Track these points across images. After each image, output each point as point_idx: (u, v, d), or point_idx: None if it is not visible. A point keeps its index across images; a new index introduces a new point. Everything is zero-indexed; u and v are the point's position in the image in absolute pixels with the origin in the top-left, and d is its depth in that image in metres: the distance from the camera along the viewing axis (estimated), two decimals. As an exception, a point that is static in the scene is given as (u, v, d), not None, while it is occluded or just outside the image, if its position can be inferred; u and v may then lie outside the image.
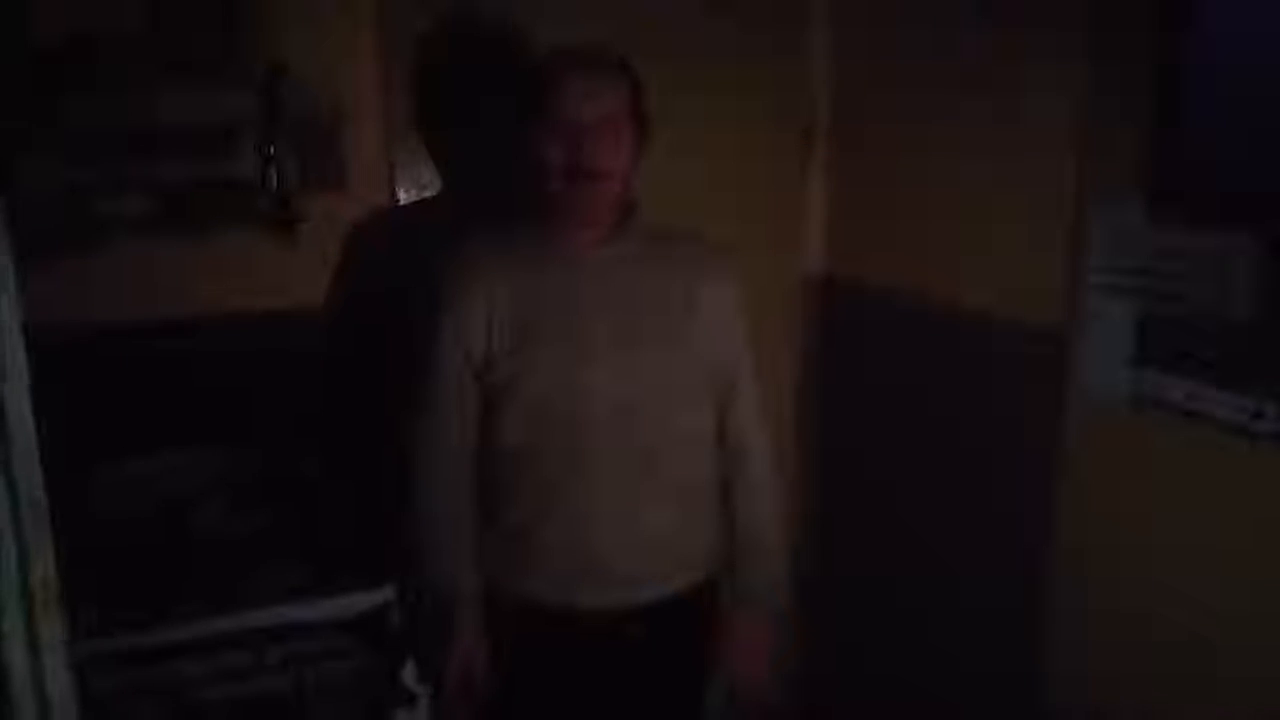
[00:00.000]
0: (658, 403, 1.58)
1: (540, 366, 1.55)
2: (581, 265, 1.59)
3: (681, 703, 1.76)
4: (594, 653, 1.64)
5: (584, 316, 1.56)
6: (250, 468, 1.94)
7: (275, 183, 1.94)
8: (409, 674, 1.82)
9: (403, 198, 2.10)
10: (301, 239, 1.98)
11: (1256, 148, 1.48)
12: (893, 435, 2.29)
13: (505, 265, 1.59)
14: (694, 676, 1.76)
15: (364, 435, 2.02)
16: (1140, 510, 1.65)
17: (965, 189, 2.01)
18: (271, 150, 1.92)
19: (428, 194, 2.12)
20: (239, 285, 1.96)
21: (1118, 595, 1.70)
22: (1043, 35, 1.78)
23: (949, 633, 2.14)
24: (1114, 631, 1.71)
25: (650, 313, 1.59)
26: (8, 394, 0.75)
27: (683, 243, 1.67)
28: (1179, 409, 1.56)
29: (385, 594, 1.79)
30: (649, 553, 1.60)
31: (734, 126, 2.30)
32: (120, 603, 1.65)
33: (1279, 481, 1.42)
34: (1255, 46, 1.48)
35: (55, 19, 1.77)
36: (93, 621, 1.58)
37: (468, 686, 1.66)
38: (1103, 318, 1.68)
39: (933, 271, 2.12)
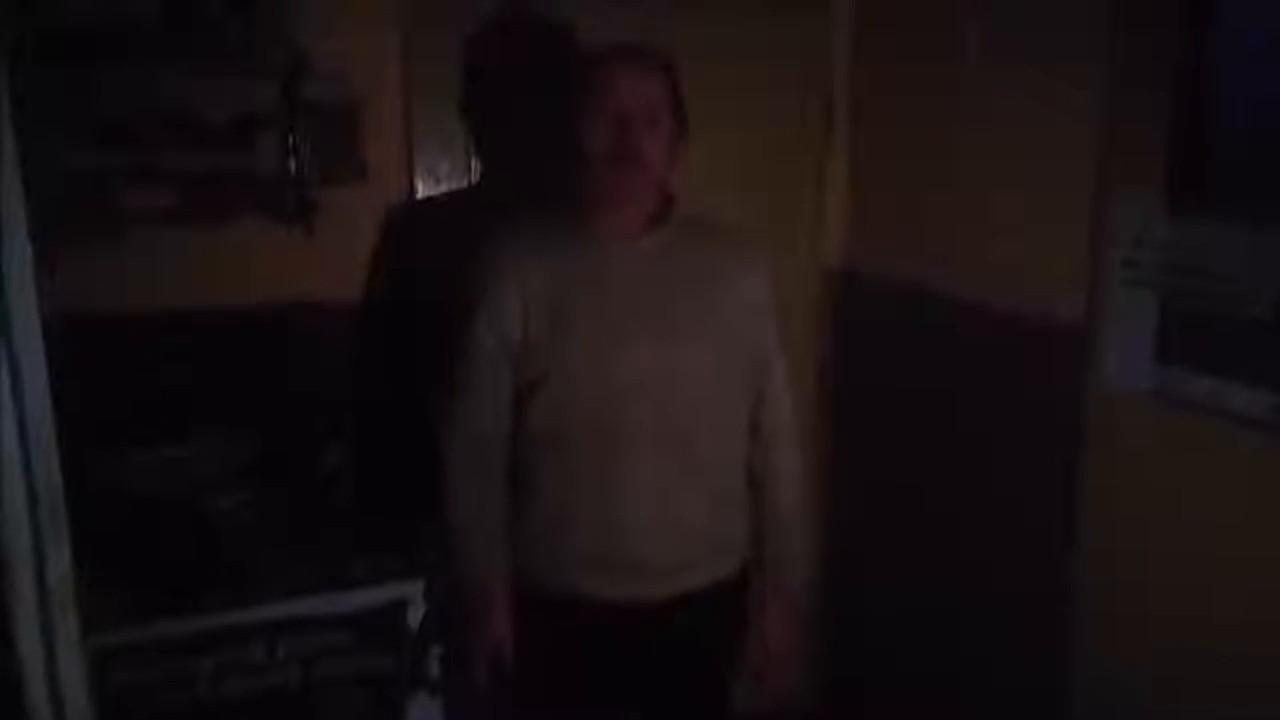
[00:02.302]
0: (691, 391, 1.57)
1: (575, 353, 1.54)
2: (618, 253, 1.58)
3: (709, 694, 1.75)
4: (623, 643, 1.63)
5: (619, 304, 1.56)
6: (267, 459, 1.93)
7: (294, 173, 1.93)
8: (432, 661, 1.82)
9: (421, 189, 2.09)
10: (319, 229, 1.97)
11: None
12: (913, 427, 2.28)
13: (541, 252, 1.59)
14: (722, 667, 1.75)
15: (386, 427, 2.01)
16: (1163, 504, 1.64)
17: (984, 183, 2.00)
18: (291, 141, 1.91)
19: (447, 185, 2.11)
20: (257, 275, 1.96)
21: (1141, 586, 1.69)
22: (1067, 19, 1.76)
23: (969, 628, 2.12)
24: (1137, 625, 1.70)
25: (686, 301, 1.58)
26: (28, 394, 0.74)
27: (719, 234, 1.67)
28: (1201, 404, 1.55)
29: (399, 590, 1.78)
30: (680, 541, 1.59)
31: (753, 113, 2.28)
32: (134, 595, 1.65)
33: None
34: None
35: (79, 6, 1.76)
36: (106, 612, 1.58)
37: (497, 674, 1.65)
38: (1125, 312, 1.67)
39: (952, 263, 2.10)
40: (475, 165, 2.12)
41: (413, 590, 1.81)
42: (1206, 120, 1.55)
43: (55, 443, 0.79)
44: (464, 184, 2.12)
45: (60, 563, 0.82)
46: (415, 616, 1.82)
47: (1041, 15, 1.82)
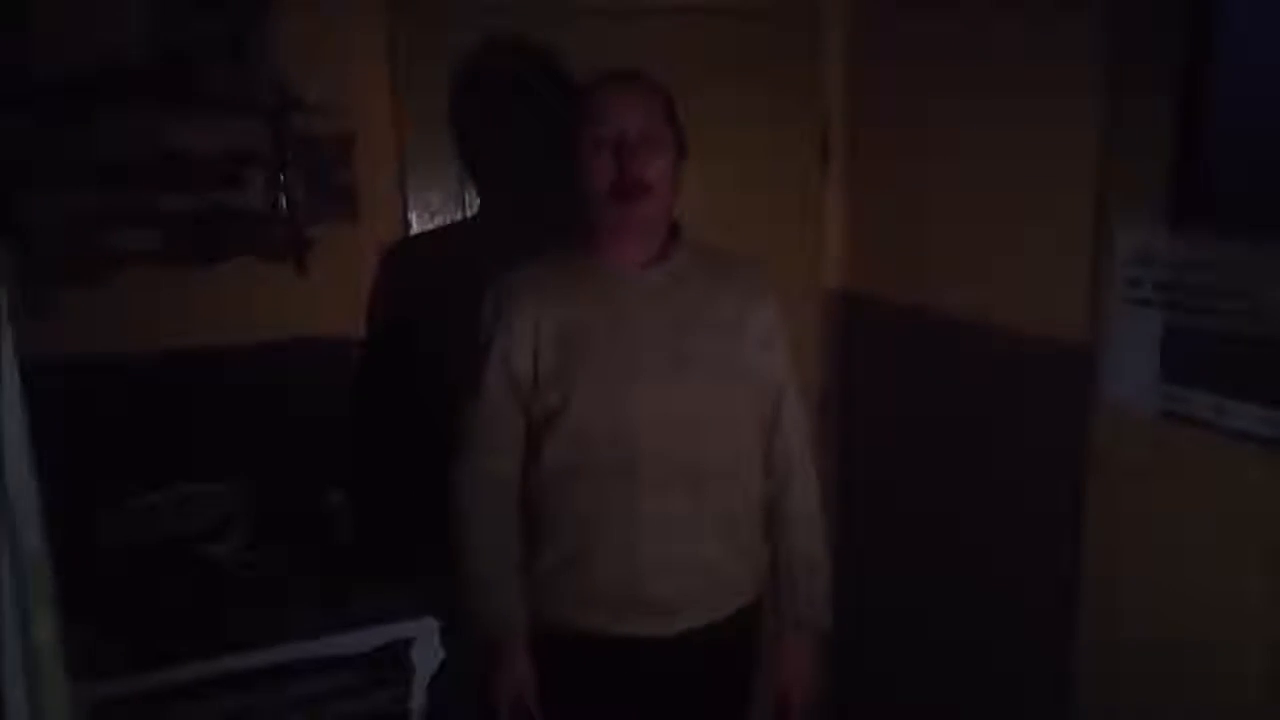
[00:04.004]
0: (706, 425, 1.56)
1: (585, 389, 1.52)
2: (629, 285, 1.57)
3: None
4: (638, 679, 1.61)
5: (630, 337, 1.54)
6: (264, 501, 1.92)
7: (285, 210, 1.92)
8: (453, 708, 1.80)
9: (415, 223, 2.08)
10: (313, 267, 1.97)
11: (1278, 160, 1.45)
12: (917, 450, 2.26)
13: (548, 287, 1.57)
14: (739, 701, 1.73)
15: (386, 466, 1.99)
16: (1169, 524, 1.62)
17: (983, 203, 1.98)
18: (281, 179, 1.90)
19: (441, 219, 2.10)
20: (249, 315, 1.95)
21: (1145, 608, 1.67)
22: (1065, 39, 1.75)
23: (974, 652, 2.10)
24: (1140, 647, 1.69)
25: (699, 333, 1.56)
26: (8, 455, 0.72)
27: (728, 263, 1.66)
28: (1207, 422, 1.53)
29: (403, 629, 1.76)
30: (696, 578, 1.58)
31: (749, 139, 2.27)
32: (134, 642, 1.63)
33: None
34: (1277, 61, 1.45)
35: (65, 48, 1.75)
36: (107, 660, 1.56)
37: (521, 716, 1.63)
38: (1130, 331, 1.65)
39: (953, 285, 2.09)
40: (470, 198, 2.12)
41: (417, 628, 1.79)
42: (1207, 138, 1.53)
43: (39, 506, 0.77)
44: (459, 217, 2.11)
45: (46, 625, 0.81)
46: (420, 654, 1.80)
47: (1040, 39, 1.81)
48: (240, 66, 1.86)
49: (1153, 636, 1.66)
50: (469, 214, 2.12)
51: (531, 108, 2.05)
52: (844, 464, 2.49)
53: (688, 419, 1.54)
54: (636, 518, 1.53)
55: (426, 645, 1.80)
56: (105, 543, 1.79)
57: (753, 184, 2.28)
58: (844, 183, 2.41)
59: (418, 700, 1.81)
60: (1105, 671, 1.76)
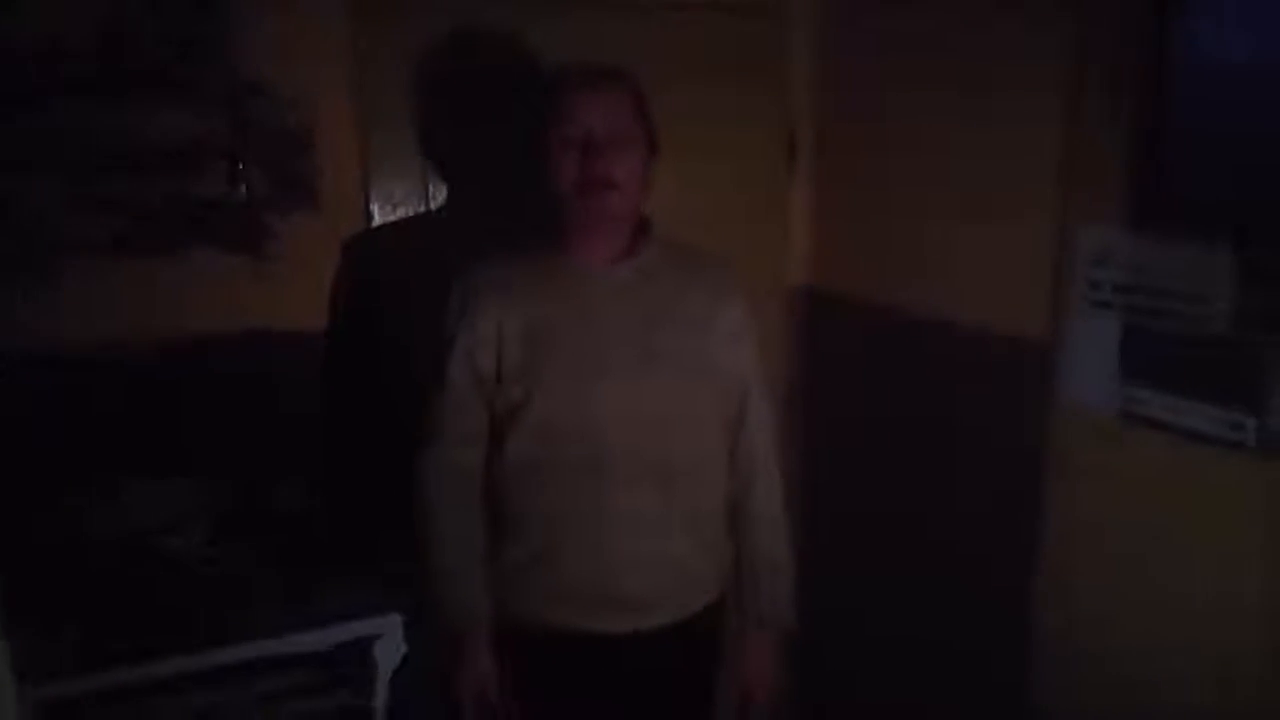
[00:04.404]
0: (675, 421, 1.56)
1: (552, 384, 1.52)
2: (596, 282, 1.57)
3: None
4: (609, 677, 1.61)
5: (599, 334, 1.54)
6: (226, 497, 1.89)
7: (246, 202, 1.89)
8: (416, 703, 1.79)
9: (378, 215, 2.05)
10: (274, 258, 1.93)
11: (1235, 165, 1.49)
12: (880, 448, 2.28)
13: (517, 284, 1.57)
14: (704, 698, 1.74)
15: (351, 460, 1.97)
16: (1127, 523, 1.65)
17: (950, 202, 2.00)
18: (242, 170, 1.87)
19: (405, 212, 2.07)
20: (209, 307, 1.91)
21: (1103, 608, 1.70)
22: (1031, 38, 1.77)
23: (934, 647, 2.13)
24: (1099, 644, 1.71)
25: (668, 329, 1.56)
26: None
27: (697, 260, 1.65)
28: (1162, 422, 1.56)
29: (367, 626, 1.75)
30: (666, 575, 1.58)
31: (716, 135, 2.27)
32: (95, 639, 1.60)
33: (1258, 491, 1.44)
34: (1237, 66, 1.48)
35: (17, 37, 1.71)
36: (70, 659, 1.54)
37: (484, 711, 1.62)
38: (1089, 332, 1.68)
39: (918, 283, 2.11)
40: (434, 190, 2.09)
41: (381, 624, 1.78)
42: (1169, 141, 1.56)
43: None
44: (423, 209, 2.09)
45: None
46: (384, 650, 1.79)
47: (1006, 38, 1.83)
48: (205, 60, 1.82)
49: (1110, 636, 1.69)
50: (433, 206, 2.09)
51: (499, 100, 2.03)
52: (808, 462, 2.51)
53: (656, 415, 1.54)
54: (607, 515, 1.54)
55: (390, 641, 1.79)
56: (61, 541, 1.76)
57: (719, 181, 2.28)
58: (811, 180, 2.42)
59: (381, 696, 1.80)
60: (1064, 669, 1.79)
